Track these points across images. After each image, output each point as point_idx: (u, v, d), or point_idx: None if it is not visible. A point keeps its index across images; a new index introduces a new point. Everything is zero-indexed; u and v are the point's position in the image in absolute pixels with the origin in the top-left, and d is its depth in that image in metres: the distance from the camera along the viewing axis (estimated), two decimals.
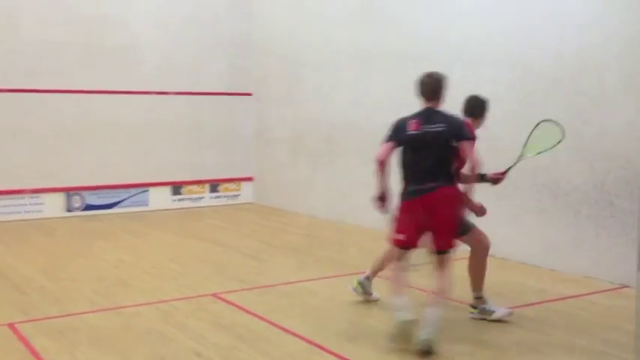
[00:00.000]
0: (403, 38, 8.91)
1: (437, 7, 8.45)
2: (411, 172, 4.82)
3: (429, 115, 4.80)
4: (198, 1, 11.62)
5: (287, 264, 7.48)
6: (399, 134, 4.82)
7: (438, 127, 4.73)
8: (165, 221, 10.39)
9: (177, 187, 11.56)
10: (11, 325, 5.19)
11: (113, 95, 10.84)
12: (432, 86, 4.84)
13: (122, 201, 11.01)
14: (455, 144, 4.75)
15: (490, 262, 5.54)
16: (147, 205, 11.25)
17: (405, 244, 4.82)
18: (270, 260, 7.75)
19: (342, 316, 5.53)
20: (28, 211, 10.22)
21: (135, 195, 11.14)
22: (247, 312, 5.56)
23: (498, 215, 7.69)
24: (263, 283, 6.58)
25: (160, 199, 11.36)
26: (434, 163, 4.72)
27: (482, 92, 8.00)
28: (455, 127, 4.76)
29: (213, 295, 6.07)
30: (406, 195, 4.80)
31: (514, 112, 7.46)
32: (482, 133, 7.86)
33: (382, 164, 4.84)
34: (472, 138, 4.87)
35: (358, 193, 9.74)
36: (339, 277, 6.78)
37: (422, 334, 4.55)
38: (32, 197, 10.27)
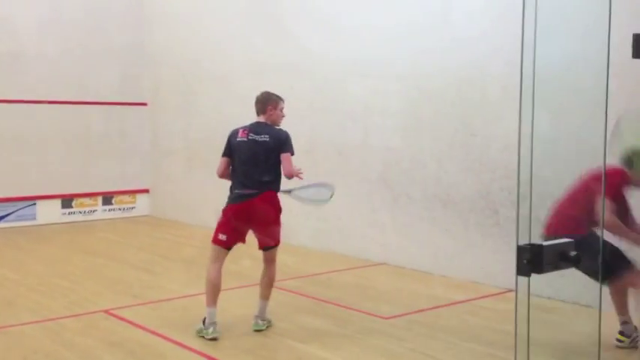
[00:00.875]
0: (297, 51, 9.00)
1: (329, 21, 8.60)
2: (237, 178, 5.22)
3: (257, 127, 5.26)
4: (88, 6, 11.27)
5: (182, 277, 7.35)
6: (230, 143, 5.30)
7: (263, 138, 5.18)
8: (55, 236, 9.97)
9: (67, 200, 11.12)
10: None
11: None
12: (260, 103, 5.33)
13: (7, 215, 10.47)
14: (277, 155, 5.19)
15: (384, 270, 5.68)
16: (34, 219, 10.75)
17: (225, 244, 5.24)
18: (165, 274, 7.60)
19: (237, 329, 5.49)
20: None
21: (21, 209, 10.63)
22: (140, 327, 5.43)
23: (392, 224, 7.91)
24: (157, 298, 6.43)
25: (48, 212, 10.88)
26: (258, 170, 5.15)
27: (374, 104, 8.23)
28: (278, 139, 5.19)
29: (105, 311, 5.88)
30: (231, 199, 5.22)
31: (405, 124, 7.70)
32: (376, 143, 8.10)
33: (223, 178, 5.37)
34: (292, 152, 5.23)
35: None
36: (235, 289, 6.73)
37: (255, 326, 5.31)
38: None
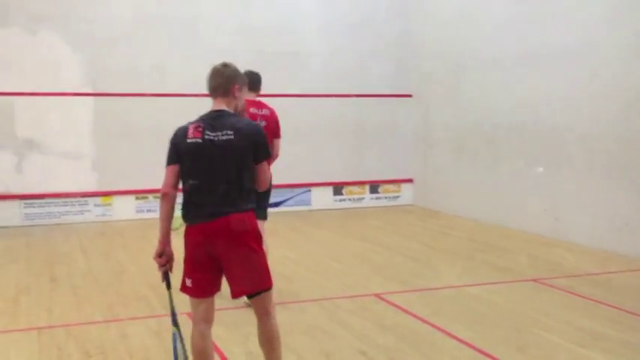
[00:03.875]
0: (570, 35, 8.43)
1: (602, 3, 7.90)
2: (191, 195, 3.57)
3: (214, 120, 3.58)
4: (358, 5, 11.75)
5: (449, 267, 7.33)
6: (176, 147, 3.58)
7: (225, 135, 3.52)
8: (327, 220, 10.61)
9: (338, 188, 11.77)
10: None
11: (277, 99, 11.26)
12: (222, 80, 3.64)
13: (286, 200, 11.38)
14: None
15: None
16: (309, 204, 11.56)
17: (193, 292, 3.58)
18: (431, 263, 7.65)
19: (508, 323, 5.32)
20: None
21: (298, 195, 11.48)
22: (410, 314, 5.52)
23: None
24: (425, 286, 6.50)
25: (322, 198, 11.63)
26: (220, 183, 3.52)
27: None
28: (248, 137, 3.56)
29: (376, 295, 6.09)
30: (190, 219, 3.57)
31: None
32: None
33: (166, 198, 3.58)
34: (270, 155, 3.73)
35: (523, 197, 9.37)
36: (505, 283, 6.55)
37: None
38: None
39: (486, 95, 10.15)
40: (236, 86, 3.64)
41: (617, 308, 5.66)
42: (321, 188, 11.65)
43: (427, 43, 11.63)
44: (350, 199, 11.86)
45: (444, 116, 11.28)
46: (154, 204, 10.39)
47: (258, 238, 3.58)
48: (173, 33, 10.73)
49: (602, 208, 8.01)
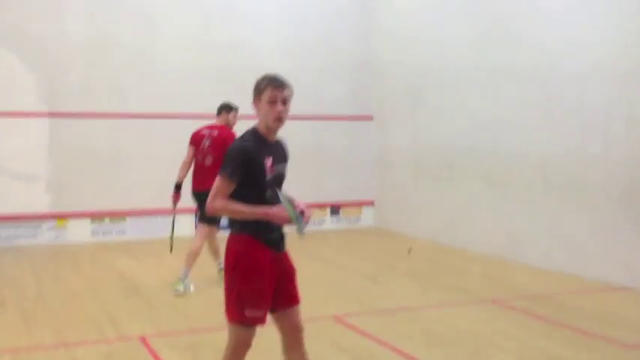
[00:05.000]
0: (527, 55, 8.58)
1: (560, 25, 8.08)
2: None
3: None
4: (318, 24, 11.80)
5: (408, 289, 7.32)
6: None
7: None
8: (287, 244, 10.48)
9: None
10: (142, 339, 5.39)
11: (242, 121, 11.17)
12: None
13: None
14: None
15: (626, 295, 5.13)
16: None
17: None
18: (391, 284, 7.62)
19: (466, 344, 5.31)
20: None
21: None
22: (368, 336, 5.47)
23: (637, 245, 7.17)
24: (384, 307, 6.47)
25: None
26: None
27: (616, 112, 7.53)
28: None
29: (334, 316, 6.03)
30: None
31: None
32: (618, 155, 7.39)
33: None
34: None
35: (481, 219, 9.45)
36: (462, 304, 6.55)
37: None
38: None
39: (445, 117, 10.26)
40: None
41: (572, 329, 5.70)
42: None
43: (387, 64, 11.74)
44: (311, 222, 11.77)
45: (404, 138, 11.35)
46: (110, 226, 10.21)
47: (228, 262, 3.51)
48: (130, 52, 10.58)
49: (558, 229, 8.11)
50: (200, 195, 6.81)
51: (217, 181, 3.41)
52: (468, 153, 9.77)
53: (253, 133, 3.53)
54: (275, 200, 3.46)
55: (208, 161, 7.00)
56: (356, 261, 9.02)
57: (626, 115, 7.28)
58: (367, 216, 12.22)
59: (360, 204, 12.20)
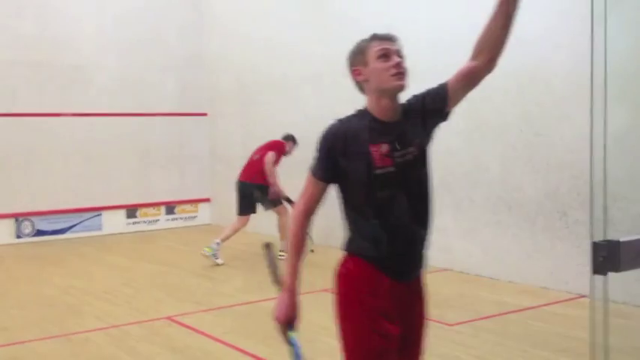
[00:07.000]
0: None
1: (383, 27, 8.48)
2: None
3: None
4: (149, 20, 11.49)
5: (245, 284, 7.35)
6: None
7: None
8: (120, 245, 10.16)
9: (132, 210, 11.33)
10: None
11: (62, 118, 10.60)
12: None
13: (74, 226, 10.72)
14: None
15: (447, 276, 5.51)
16: (100, 229, 10.99)
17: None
18: (227, 281, 7.61)
19: (303, 335, 5.40)
20: None
21: (87, 219, 10.87)
22: (203, 334, 5.42)
23: (455, 229, 7.71)
24: (220, 304, 6.44)
25: (114, 222, 11.11)
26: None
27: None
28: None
29: (168, 318, 5.91)
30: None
31: (466, 126, 7.51)
32: (435, 146, 7.90)
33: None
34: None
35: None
36: (302, 294, 6.67)
37: None
38: None
39: (277, 113, 10.38)
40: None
41: None
42: (113, 211, 11.13)
43: (220, 61, 11.67)
44: (144, 222, 11.46)
45: (237, 134, 11.34)
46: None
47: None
48: None
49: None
50: (242, 185, 8.73)
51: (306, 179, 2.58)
52: (300, 147, 9.95)
53: (360, 112, 2.58)
54: (393, 206, 2.47)
55: (255, 157, 8.67)
56: (191, 259, 8.89)
57: None
58: (204, 213, 12.10)
59: (196, 201, 12.04)
